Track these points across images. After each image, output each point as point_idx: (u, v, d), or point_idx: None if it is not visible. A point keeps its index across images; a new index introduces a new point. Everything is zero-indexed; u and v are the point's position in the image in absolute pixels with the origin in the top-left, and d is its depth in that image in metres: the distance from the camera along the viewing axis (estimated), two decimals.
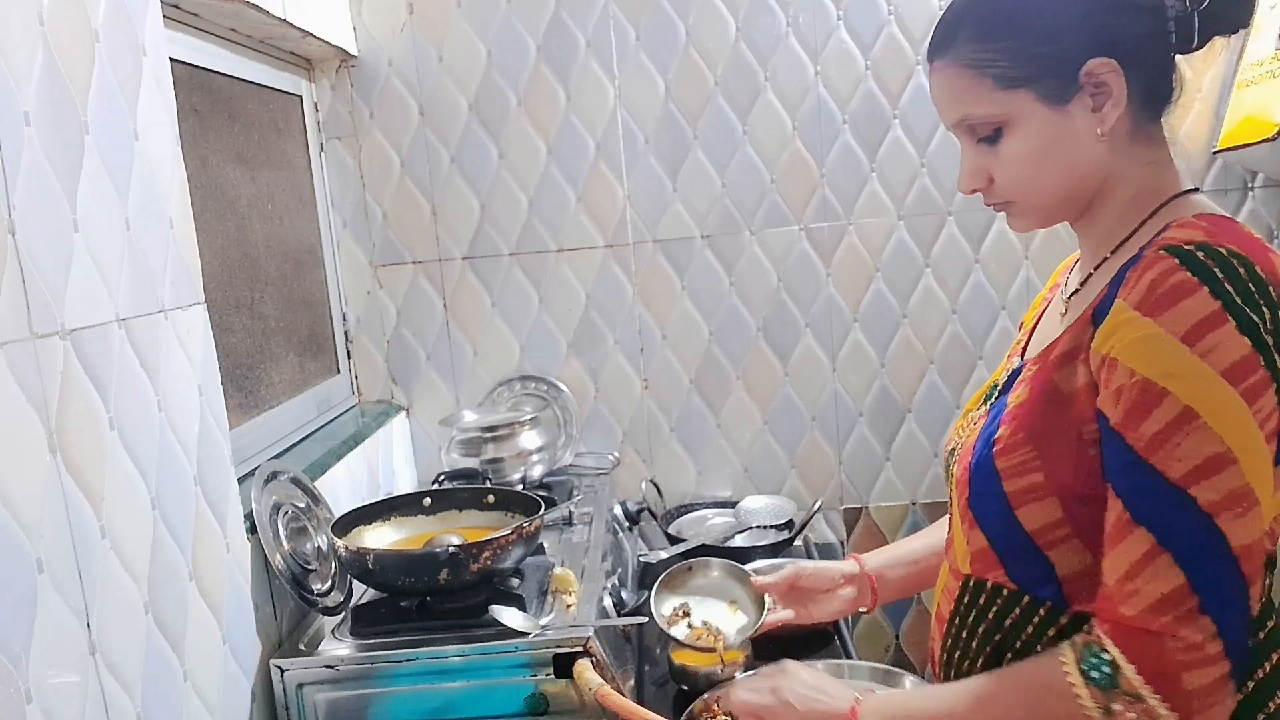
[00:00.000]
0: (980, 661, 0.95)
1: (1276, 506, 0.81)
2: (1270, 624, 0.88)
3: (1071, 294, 0.97)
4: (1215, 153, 2.00)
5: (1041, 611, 0.90)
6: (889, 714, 0.96)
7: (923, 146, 2.03)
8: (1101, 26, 0.86)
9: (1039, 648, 0.89)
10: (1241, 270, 0.78)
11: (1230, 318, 0.76)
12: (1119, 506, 0.80)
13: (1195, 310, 0.77)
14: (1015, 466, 0.88)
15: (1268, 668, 0.87)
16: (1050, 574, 0.88)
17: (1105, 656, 0.79)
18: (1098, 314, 0.85)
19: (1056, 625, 0.89)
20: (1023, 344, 1.06)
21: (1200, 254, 0.79)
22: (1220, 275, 0.78)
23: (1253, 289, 0.78)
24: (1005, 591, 0.92)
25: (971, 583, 0.96)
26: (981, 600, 0.94)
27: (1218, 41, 0.90)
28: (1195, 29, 0.87)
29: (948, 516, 1.23)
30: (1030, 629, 0.91)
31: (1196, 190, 0.92)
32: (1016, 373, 0.96)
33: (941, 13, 0.95)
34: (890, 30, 2.00)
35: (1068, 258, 1.11)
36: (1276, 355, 0.77)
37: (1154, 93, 0.90)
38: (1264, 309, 0.78)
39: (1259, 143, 1.83)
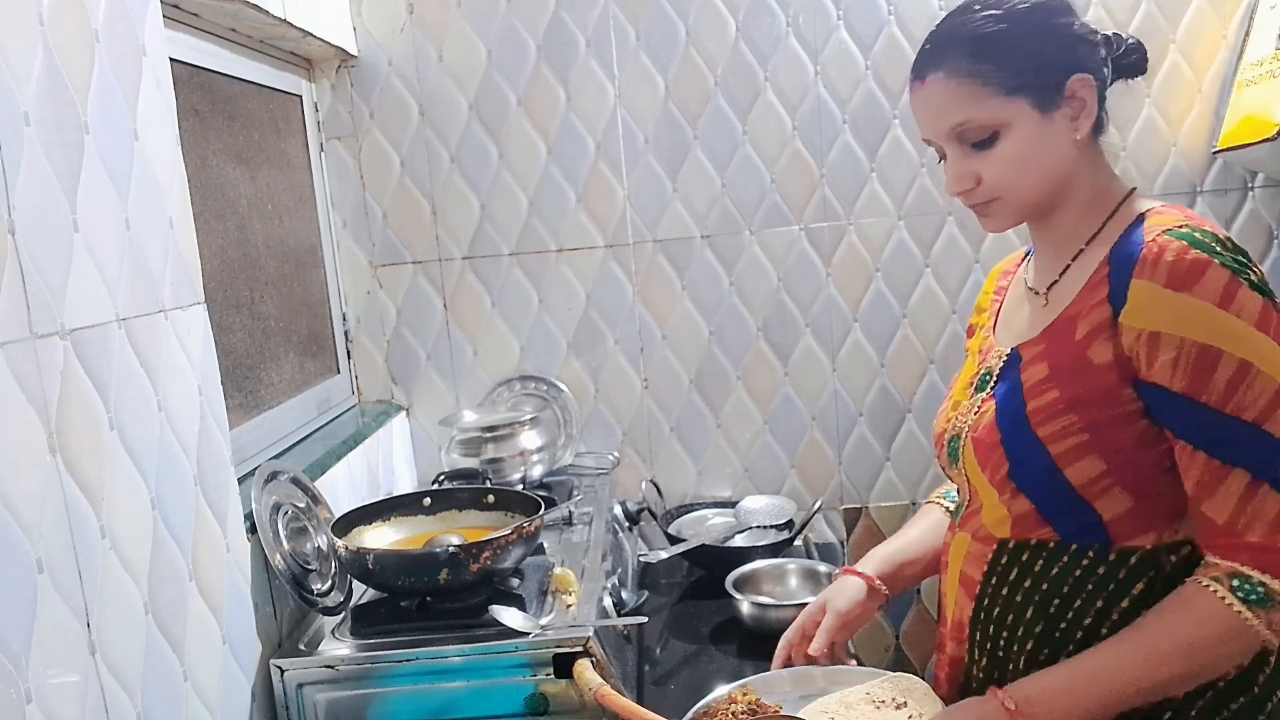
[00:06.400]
0: (1029, 611, 1.03)
1: None
2: None
3: (1050, 285, 1.06)
4: (1215, 153, 1.99)
5: (1090, 554, 1.00)
6: (1050, 695, 0.96)
7: (923, 146, 2.03)
8: (1078, 50, 1.02)
9: (1090, 586, 1.00)
10: (1225, 241, 0.93)
11: (1242, 281, 0.91)
12: (1203, 458, 0.93)
13: (1217, 279, 0.90)
14: (1059, 431, 0.98)
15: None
16: (1097, 520, 0.99)
17: (1255, 580, 0.90)
18: (1113, 297, 0.96)
19: (1105, 563, 1.00)
20: (988, 337, 1.15)
21: (1197, 234, 0.93)
22: (1218, 248, 0.92)
23: (1238, 256, 0.92)
24: (1051, 544, 1.02)
25: (1011, 544, 1.05)
26: (1024, 557, 1.04)
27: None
28: (1110, 72, 1.05)
29: (940, 505, 1.32)
30: (1079, 570, 1.01)
31: (1134, 189, 1.07)
32: (1014, 359, 1.06)
33: (931, 32, 1.06)
34: (890, 30, 2.00)
35: (1002, 262, 1.25)
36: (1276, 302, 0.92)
37: (1100, 115, 1.05)
38: (1250, 269, 0.92)
39: (1259, 143, 1.83)
